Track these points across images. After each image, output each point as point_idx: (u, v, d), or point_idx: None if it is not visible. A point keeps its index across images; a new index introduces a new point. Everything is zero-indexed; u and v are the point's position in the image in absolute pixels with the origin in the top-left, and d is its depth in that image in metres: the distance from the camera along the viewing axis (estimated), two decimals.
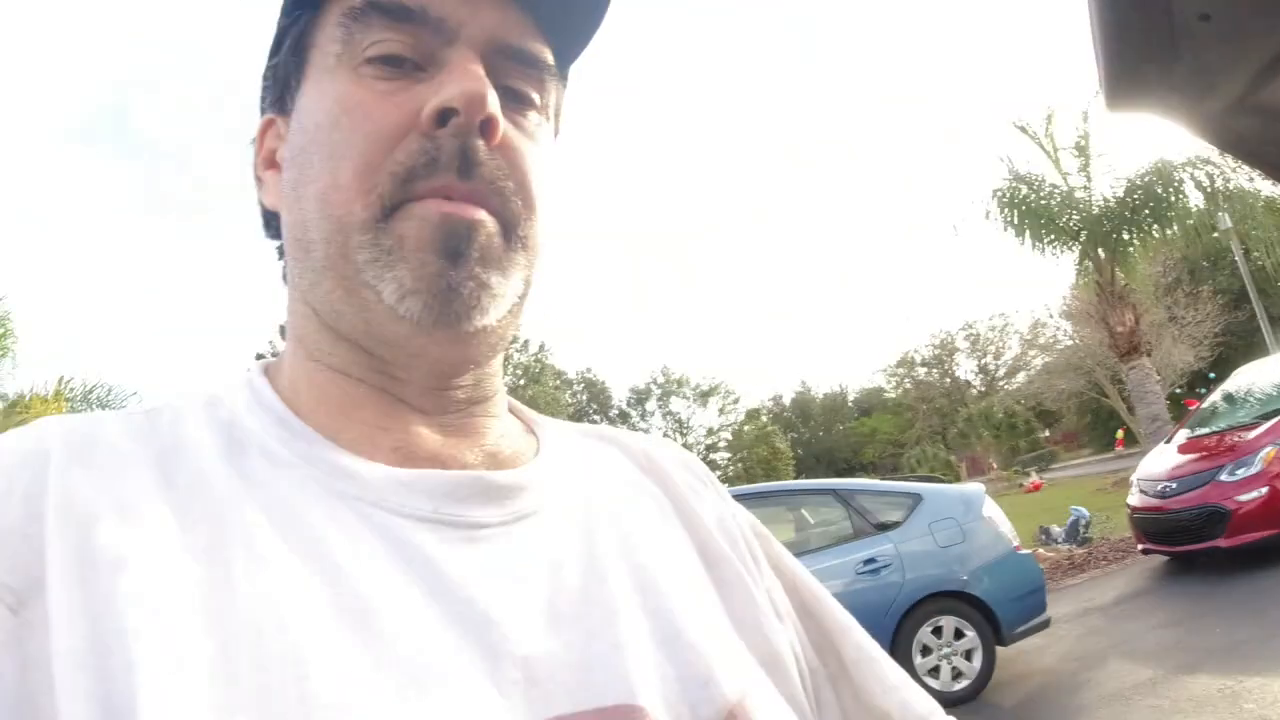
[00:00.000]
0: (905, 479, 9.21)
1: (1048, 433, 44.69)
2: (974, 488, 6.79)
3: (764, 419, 59.99)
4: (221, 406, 0.51)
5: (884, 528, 6.24)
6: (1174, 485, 8.52)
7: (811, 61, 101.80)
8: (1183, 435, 9.83)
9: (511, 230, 0.51)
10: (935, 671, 5.92)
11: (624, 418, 59.20)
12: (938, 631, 5.92)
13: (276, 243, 0.59)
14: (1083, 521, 12.11)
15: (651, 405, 59.05)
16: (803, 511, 7.14)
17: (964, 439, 45.65)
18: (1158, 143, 14.15)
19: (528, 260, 0.52)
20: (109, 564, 0.40)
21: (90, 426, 0.47)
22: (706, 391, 57.23)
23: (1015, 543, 6.36)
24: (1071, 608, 8.10)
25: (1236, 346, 25.10)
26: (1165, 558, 9.03)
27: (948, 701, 5.71)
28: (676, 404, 58.81)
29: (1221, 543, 7.85)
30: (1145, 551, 9.16)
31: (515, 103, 0.53)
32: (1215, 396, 10.40)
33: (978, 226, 15.32)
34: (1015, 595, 6.09)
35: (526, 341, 43.00)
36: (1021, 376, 47.58)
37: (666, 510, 0.61)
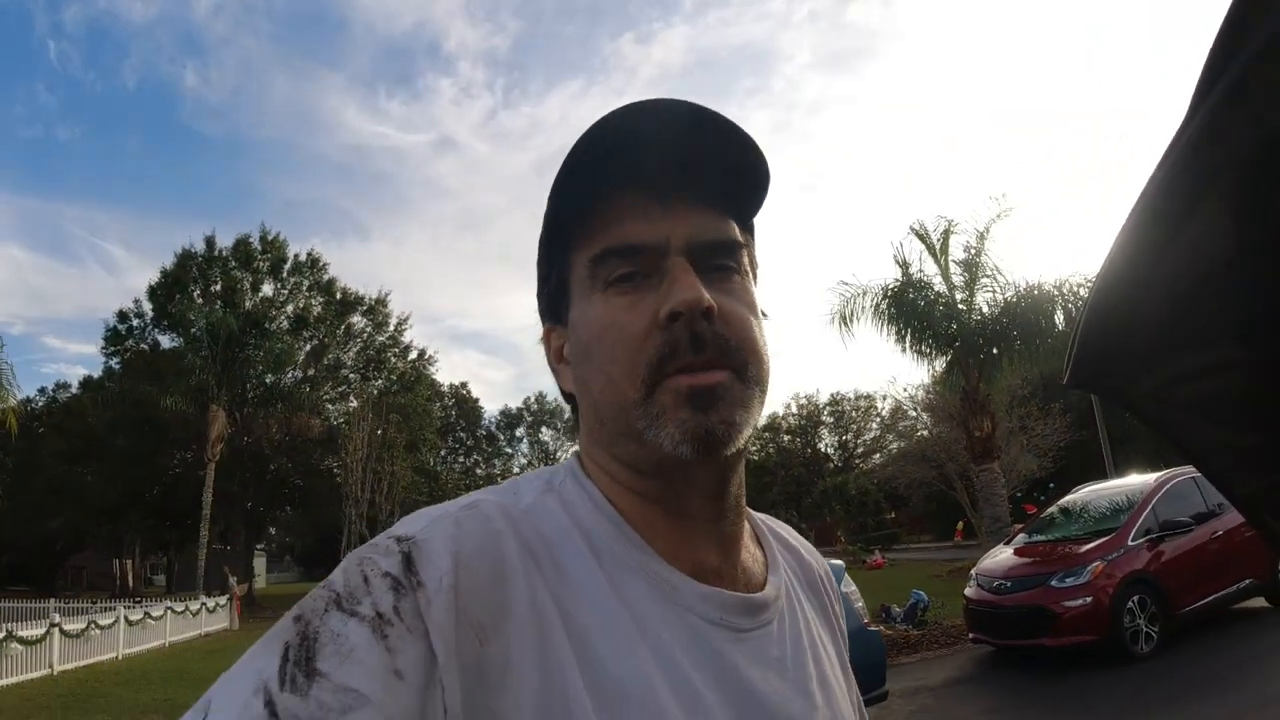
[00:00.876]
0: None
1: (894, 514, 46.33)
2: (836, 564, 7.27)
3: None
4: (575, 508, 0.70)
5: None
6: (1009, 584, 9.32)
7: None
8: (1021, 539, 10.73)
9: (744, 375, 0.67)
10: None
11: (491, 439, 58.59)
12: None
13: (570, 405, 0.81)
14: (921, 605, 12.89)
15: (521, 431, 58.95)
16: None
17: (817, 510, 47.01)
18: (1036, 272, 15.26)
19: (761, 392, 0.69)
20: (557, 625, 0.61)
21: (520, 524, 0.67)
22: (575, 426, 57.29)
23: (866, 619, 6.90)
24: (905, 684, 8.67)
25: (1077, 460, 26.79)
26: (993, 648, 9.79)
27: None
28: (546, 434, 58.91)
29: (1047, 641, 8.65)
30: (975, 641, 9.89)
31: (721, 276, 0.70)
32: (1054, 509, 11.39)
33: (861, 317, 16.00)
34: (860, 667, 6.40)
35: (408, 347, 42.21)
36: (877, 457, 49.60)
37: (826, 621, 0.85)
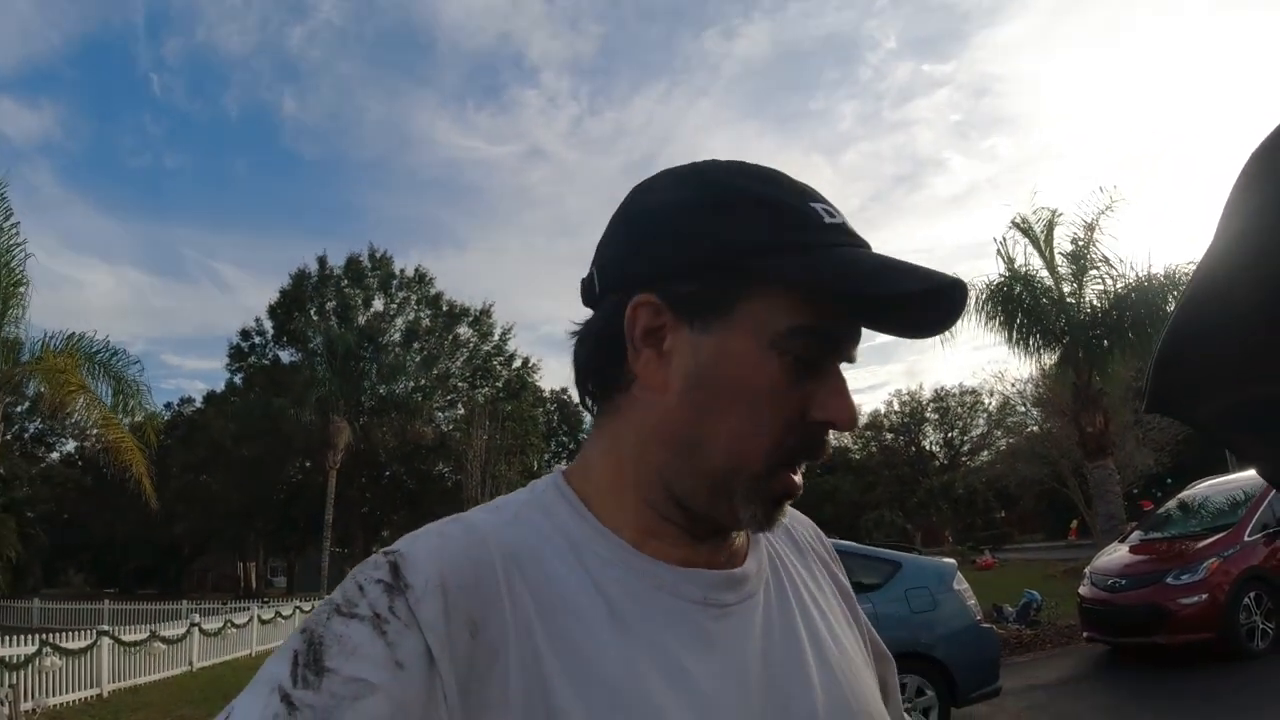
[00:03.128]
0: (894, 545, 9.76)
1: (1004, 513, 45.18)
2: (948, 562, 7.42)
3: None
4: (557, 516, 0.72)
5: (863, 588, 6.78)
6: (1124, 582, 9.25)
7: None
8: (1136, 536, 10.59)
9: None
10: None
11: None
12: (902, 688, 6.47)
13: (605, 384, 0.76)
14: (1034, 605, 12.77)
15: None
16: None
17: (923, 509, 46.10)
18: (1143, 261, 14.82)
19: None
20: (535, 618, 0.64)
21: (508, 536, 0.69)
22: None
23: (979, 616, 7.00)
24: (1018, 683, 8.66)
25: (1195, 455, 25.75)
26: (1107, 647, 9.74)
27: None
28: None
29: (1160, 639, 8.59)
30: (1089, 639, 9.86)
31: None
32: (1171, 505, 11.17)
33: (965, 315, 15.67)
34: (974, 663, 6.71)
35: (512, 355, 43.15)
36: (985, 454, 48.36)
37: (825, 580, 0.88)
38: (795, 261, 0.68)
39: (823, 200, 0.72)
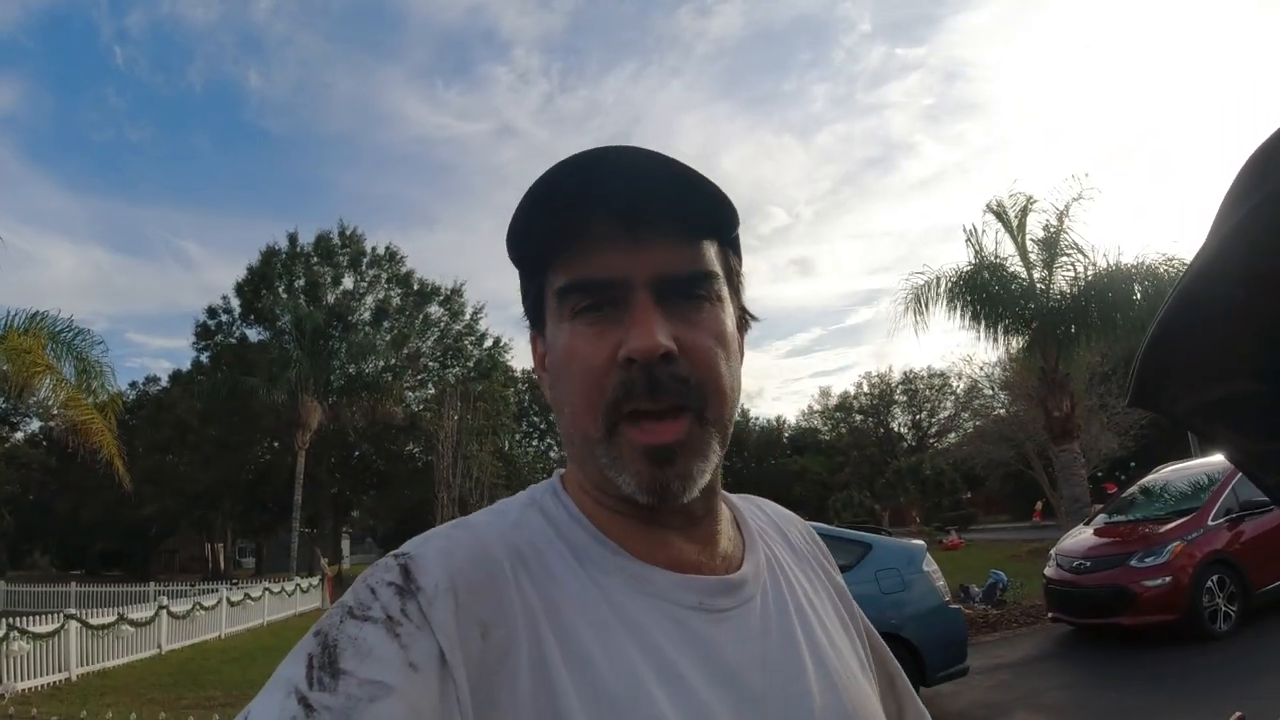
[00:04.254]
0: (862, 525, 9.89)
1: (970, 494, 45.71)
2: (917, 544, 7.52)
3: None
4: (556, 520, 0.74)
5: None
6: (1088, 564, 9.43)
7: None
8: (1101, 519, 10.79)
9: (703, 417, 0.69)
10: None
11: None
12: None
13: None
14: (1000, 585, 13.00)
15: None
16: None
17: (891, 490, 46.57)
18: (1113, 250, 14.97)
19: (721, 433, 0.71)
20: (544, 619, 0.65)
21: (509, 535, 0.72)
22: None
23: (947, 597, 7.12)
24: (984, 662, 8.81)
25: (1159, 439, 26.12)
26: (1071, 627, 9.91)
27: None
28: None
29: (1124, 620, 8.78)
30: (1054, 619, 10.06)
31: (692, 305, 0.70)
32: (1135, 489, 11.38)
33: (934, 304, 15.83)
34: (942, 643, 6.82)
35: (484, 335, 42.98)
36: (953, 436, 48.87)
37: (820, 583, 0.88)
38: (532, 226, 0.71)
39: (580, 170, 0.67)
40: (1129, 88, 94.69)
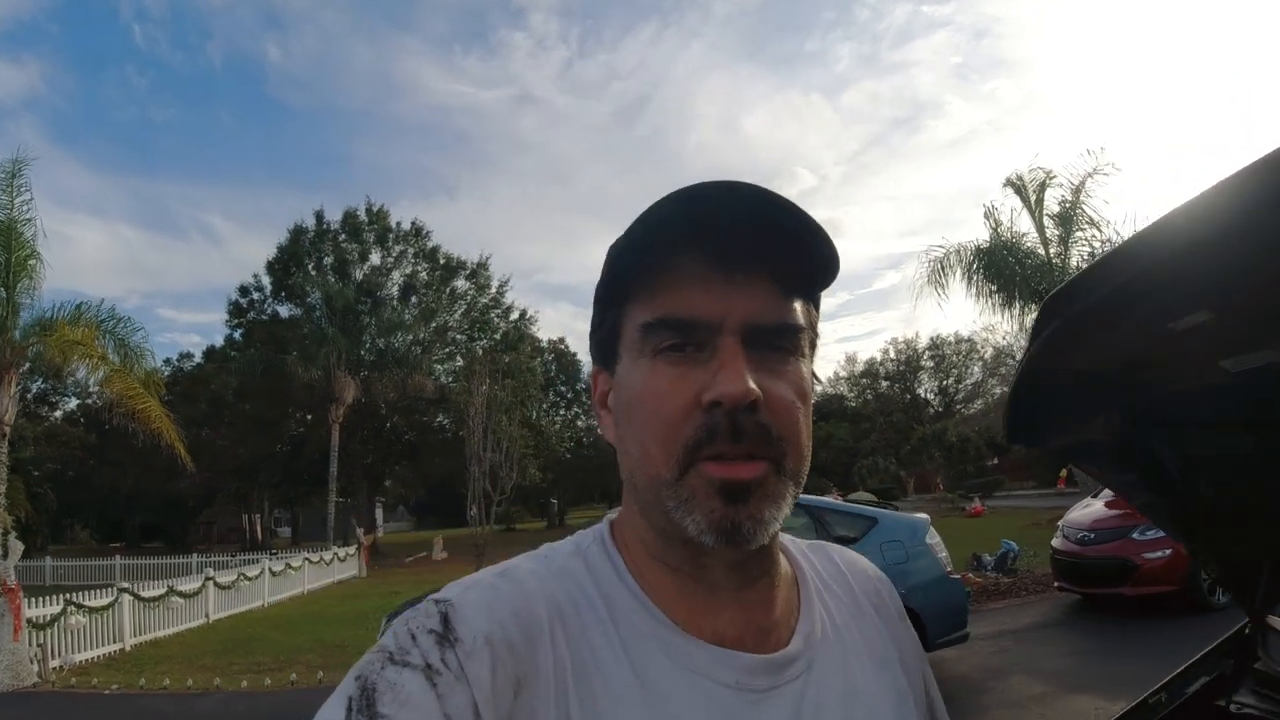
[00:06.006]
0: (883, 491, 10.21)
1: (996, 460, 45.67)
2: (921, 518, 7.88)
3: None
4: (599, 575, 0.73)
5: (842, 542, 7.30)
6: (1092, 535, 9.76)
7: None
8: (1109, 492, 11.04)
9: (781, 467, 0.66)
10: None
11: (590, 392, 59.38)
12: None
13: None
14: (1011, 554, 13.34)
15: None
16: None
17: (916, 456, 46.65)
18: (1129, 225, 15.02)
19: (796, 485, 0.68)
20: (571, 684, 0.65)
21: (552, 589, 0.71)
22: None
23: (949, 568, 7.48)
24: (990, 628, 9.27)
25: None
26: (1078, 597, 10.28)
27: None
28: None
29: (1126, 590, 9.13)
30: (1060, 589, 10.43)
31: (777, 358, 0.68)
32: None
33: (952, 279, 15.94)
34: (943, 611, 7.17)
35: (510, 307, 43.41)
36: (979, 403, 48.85)
37: (883, 646, 0.82)
38: (625, 260, 0.70)
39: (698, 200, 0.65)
40: (1165, 41, 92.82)
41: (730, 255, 0.66)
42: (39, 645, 10.52)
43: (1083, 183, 15.33)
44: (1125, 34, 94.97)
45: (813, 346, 0.74)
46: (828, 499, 8.90)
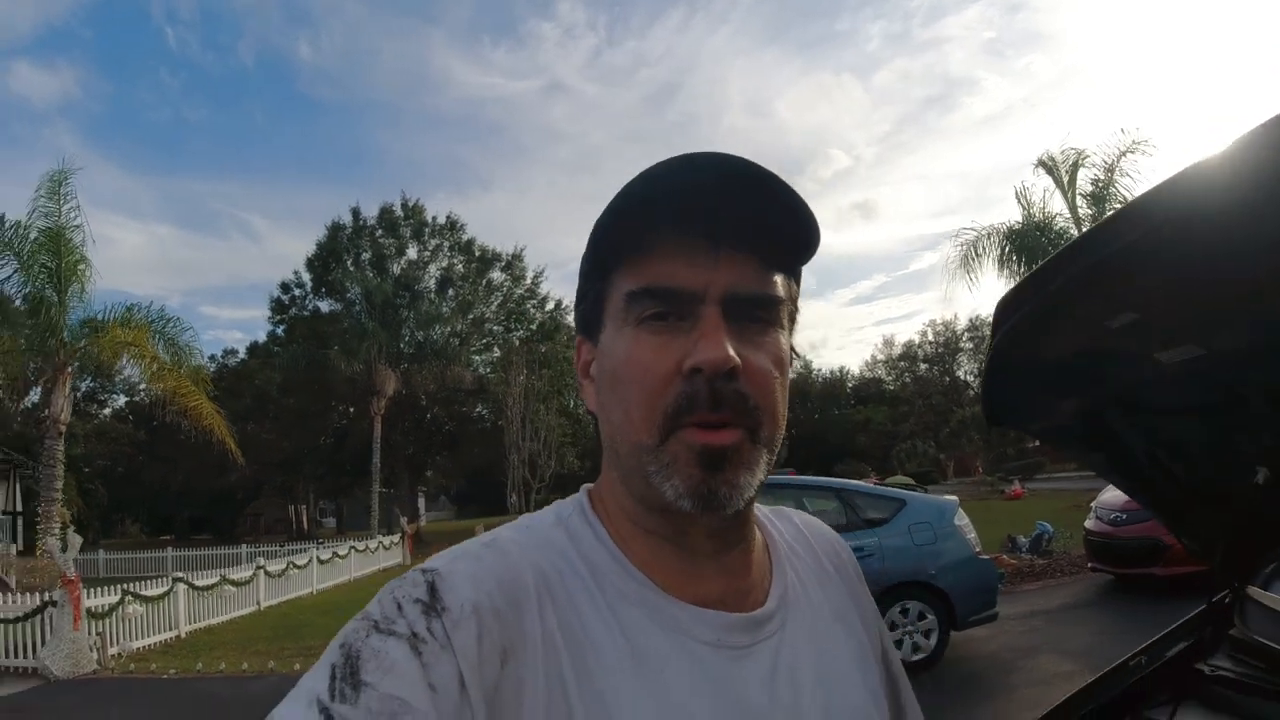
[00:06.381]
0: (918, 476, 10.20)
1: (1037, 442, 45.12)
2: (950, 500, 8.00)
3: None
4: (581, 543, 0.74)
5: (871, 524, 7.52)
6: (1124, 516, 9.77)
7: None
8: None
9: (756, 435, 0.68)
10: (899, 644, 7.13)
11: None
12: (905, 612, 7.20)
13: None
14: (1046, 536, 13.37)
15: None
16: (804, 502, 8.34)
17: (955, 439, 46.41)
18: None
19: (770, 453, 0.70)
20: (564, 650, 0.66)
21: (531, 557, 0.71)
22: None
23: (978, 548, 7.59)
24: (1022, 609, 9.36)
25: None
26: (1112, 577, 10.32)
27: (905, 670, 6.91)
28: None
29: (1157, 570, 9.13)
30: (1093, 569, 10.51)
31: (756, 329, 0.70)
32: None
33: (984, 261, 15.83)
34: (972, 591, 7.32)
35: (545, 298, 43.77)
36: None
37: (845, 607, 0.87)
38: (610, 232, 0.71)
39: (681, 172, 0.67)
40: (1205, 7, 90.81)
41: (714, 227, 0.68)
42: (98, 634, 10.87)
43: (1116, 161, 15.23)
44: (1163, 1, 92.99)
45: (792, 320, 0.76)
46: (856, 482, 9.02)
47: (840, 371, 70.11)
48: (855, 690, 0.79)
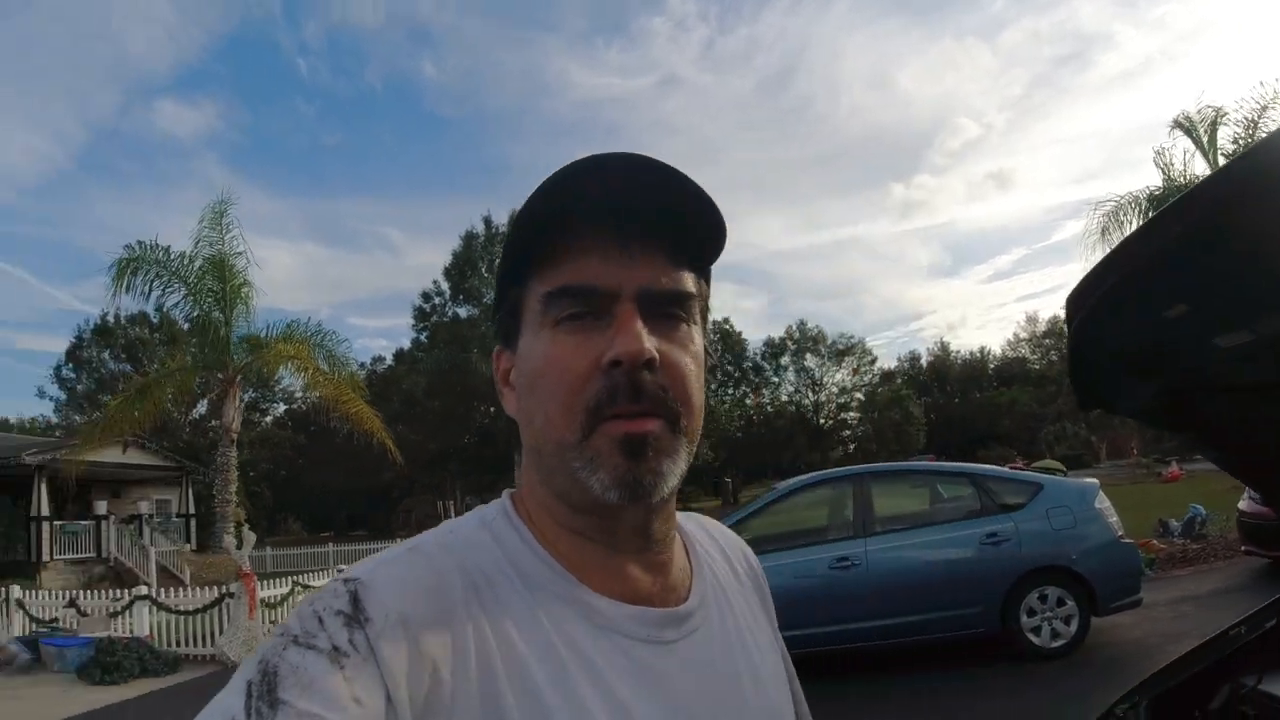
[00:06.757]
0: (1068, 458, 9.82)
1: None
2: (1090, 482, 7.84)
3: (899, 382, 58.49)
4: (507, 545, 0.73)
5: (1007, 508, 7.43)
6: None
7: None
8: None
9: (675, 425, 0.69)
10: (1037, 630, 7.10)
11: (757, 370, 58.75)
12: (1043, 598, 7.11)
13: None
14: (1199, 519, 12.89)
15: (786, 359, 58.33)
16: (938, 488, 8.41)
17: (1107, 419, 44.34)
18: None
19: (690, 442, 0.72)
20: (497, 655, 0.64)
21: (452, 562, 0.69)
22: (843, 350, 56.59)
23: (1120, 532, 7.42)
24: (1170, 595, 9.09)
25: None
26: (1267, 561, 9.90)
27: (1044, 656, 6.95)
28: (811, 360, 57.81)
29: None
30: (1247, 552, 10.09)
31: (670, 324, 0.71)
32: None
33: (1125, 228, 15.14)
34: (1114, 576, 7.18)
35: None
36: None
37: (755, 604, 0.91)
38: (523, 235, 0.72)
39: (594, 170, 0.68)
40: None
41: (626, 227, 0.69)
42: (270, 622, 11.83)
43: (1258, 116, 14.37)
44: None
45: (704, 315, 0.78)
46: (990, 466, 8.90)
47: (981, 352, 68.09)
48: (777, 687, 0.84)
